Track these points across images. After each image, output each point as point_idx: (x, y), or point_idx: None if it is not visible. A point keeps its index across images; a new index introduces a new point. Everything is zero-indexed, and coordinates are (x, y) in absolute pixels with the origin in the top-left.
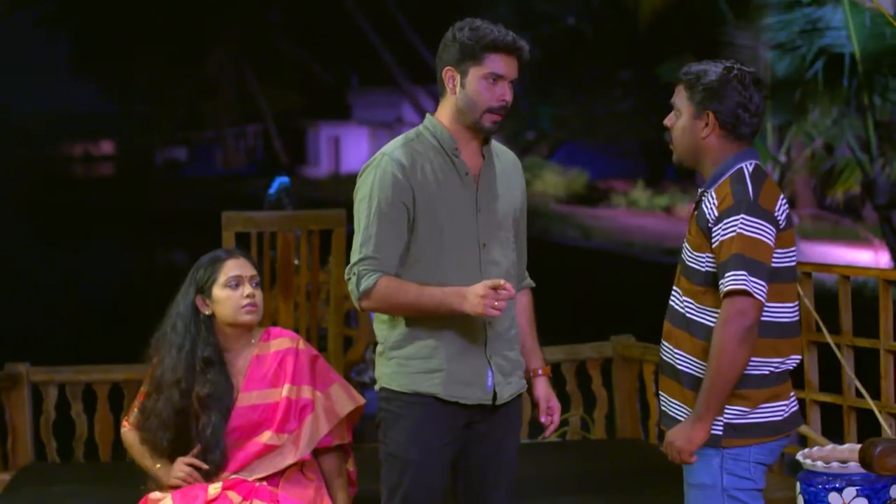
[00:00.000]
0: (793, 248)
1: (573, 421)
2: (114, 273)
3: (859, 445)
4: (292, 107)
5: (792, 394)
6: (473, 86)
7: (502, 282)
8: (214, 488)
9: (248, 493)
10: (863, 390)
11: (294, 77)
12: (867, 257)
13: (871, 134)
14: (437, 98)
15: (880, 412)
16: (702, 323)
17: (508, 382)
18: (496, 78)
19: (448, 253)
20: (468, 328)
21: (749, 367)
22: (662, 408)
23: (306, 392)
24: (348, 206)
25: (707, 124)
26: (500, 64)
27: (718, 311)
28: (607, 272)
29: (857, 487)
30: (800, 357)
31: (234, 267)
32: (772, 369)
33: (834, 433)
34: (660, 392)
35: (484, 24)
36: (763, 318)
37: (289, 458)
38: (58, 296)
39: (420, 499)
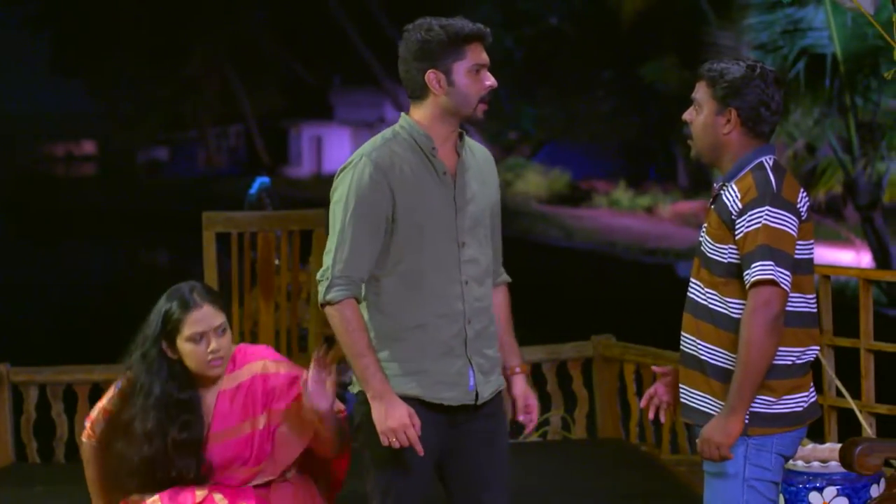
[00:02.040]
0: (811, 241)
1: (554, 421)
2: (95, 273)
3: (840, 445)
4: (274, 107)
5: (812, 385)
6: (462, 80)
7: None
8: (201, 491)
9: (235, 496)
10: (843, 390)
11: (276, 77)
12: (849, 257)
13: (853, 134)
14: None
15: (861, 411)
16: (726, 314)
17: (488, 381)
18: (479, 68)
19: (427, 253)
20: (448, 328)
21: (774, 357)
22: (683, 400)
23: (277, 417)
24: (329, 206)
25: (729, 121)
26: (480, 53)
27: (742, 301)
28: (589, 272)
29: (838, 487)
30: (818, 348)
31: (197, 321)
32: (794, 359)
33: (814, 433)
34: (681, 385)
35: (445, 19)
36: (786, 309)
37: (269, 476)
38: (39, 296)
39: (413, 500)
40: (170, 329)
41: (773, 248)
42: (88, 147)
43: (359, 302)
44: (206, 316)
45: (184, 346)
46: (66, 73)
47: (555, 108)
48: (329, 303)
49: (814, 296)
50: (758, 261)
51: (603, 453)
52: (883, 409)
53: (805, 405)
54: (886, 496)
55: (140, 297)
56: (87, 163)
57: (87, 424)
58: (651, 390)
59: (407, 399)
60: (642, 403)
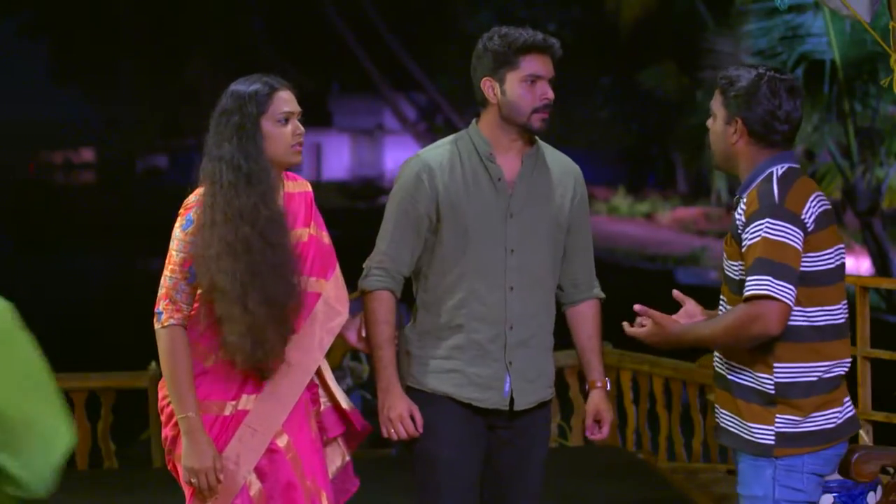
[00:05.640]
0: (829, 250)
1: (550, 428)
2: (93, 281)
3: None
4: None
5: (846, 399)
6: (514, 90)
7: (407, 431)
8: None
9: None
10: None
11: None
12: (849, 264)
13: (852, 140)
14: (418, 105)
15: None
16: None
17: (532, 390)
18: (535, 79)
19: (471, 256)
20: (486, 332)
21: (794, 375)
22: (718, 421)
23: (326, 238)
24: (329, 213)
25: (736, 131)
26: (536, 64)
27: None
28: None
29: (834, 494)
30: (850, 361)
31: (283, 101)
32: (820, 374)
33: None
34: (715, 405)
35: (511, 29)
36: (799, 323)
37: (341, 313)
38: (36, 303)
39: (455, 495)
40: (257, 111)
41: (772, 261)
42: (87, 155)
43: (396, 295)
44: (291, 97)
45: (269, 129)
46: (63, 81)
47: (553, 115)
48: (363, 291)
49: (839, 306)
50: (754, 275)
51: (600, 461)
52: (880, 416)
53: (838, 421)
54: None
55: (137, 306)
56: (86, 170)
57: (165, 304)
58: (639, 320)
59: (440, 396)
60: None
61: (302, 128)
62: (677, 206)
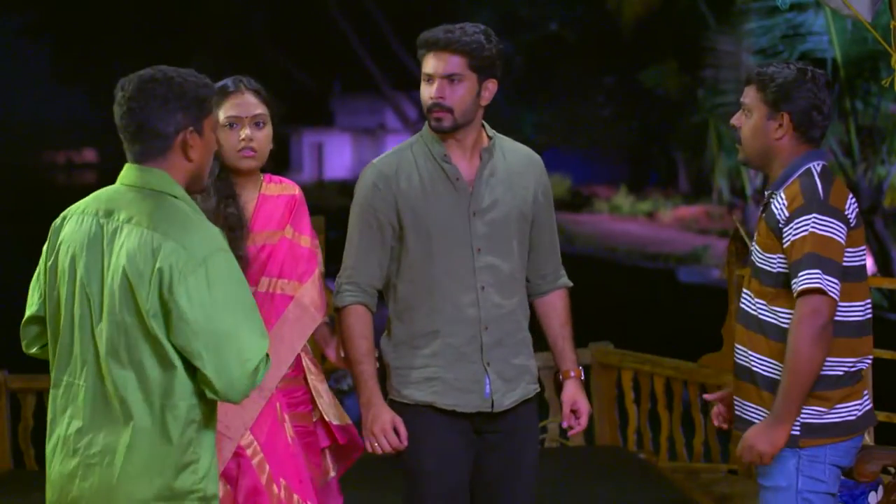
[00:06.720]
0: (862, 248)
1: (552, 428)
2: None
3: None
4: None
5: (865, 392)
6: (421, 88)
7: (395, 444)
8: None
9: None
10: None
11: (277, 83)
12: None
13: (853, 139)
14: (418, 104)
15: None
16: (775, 324)
17: (511, 389)
18: (428, 77)
19: (439, 259)
20: (462, 334)
21: (824, 368)
22: (737, 413)
23: (305, 242)
24: (331, 213)
25: (781, 125)
26: (427, 63)
27: (792, 311)
28: (590, 278)
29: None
30: (871, 356)
31: (233, 105)
32: (846, 369)
33: None
34: (735, 397)
35: (438, 27)
36: (835, 318)
37: (315, 317)
38: None
39: None
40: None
41: (820, 255)
42: (89, 155)
43: (370, 308)
44: (241, 103)
45: (219, 133)
46: (66, 81)
47: (555, 114)
48: (336, 308)
49: (865, 302)
50: (805, 269)
51: (601, 460)
52: (881, 416)
53: (859, 413)
54: (885, 503)
55: None
56: (88, 171)
57: None
58: (715, 410)
59: (422, 407)
60: (714, 422)
61: (251, 133)
62: (679, 204)
